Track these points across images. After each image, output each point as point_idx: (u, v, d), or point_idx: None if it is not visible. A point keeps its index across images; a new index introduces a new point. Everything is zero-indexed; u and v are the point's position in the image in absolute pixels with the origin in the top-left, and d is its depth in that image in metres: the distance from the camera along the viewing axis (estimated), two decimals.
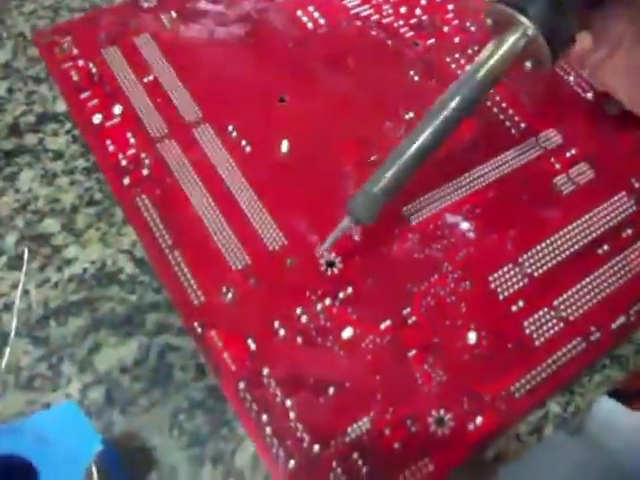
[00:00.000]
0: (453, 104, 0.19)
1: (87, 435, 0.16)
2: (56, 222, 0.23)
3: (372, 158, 0.22)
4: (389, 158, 0.20)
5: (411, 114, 0.23)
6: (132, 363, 0.21)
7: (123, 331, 0.21)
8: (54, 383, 0.20)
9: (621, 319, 0.20)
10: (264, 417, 0.18)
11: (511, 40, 0.20)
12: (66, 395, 0.20)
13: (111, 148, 0.22)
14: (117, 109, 0.22)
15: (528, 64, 0.20)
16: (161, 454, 0.20)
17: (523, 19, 0.19)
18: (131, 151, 0.22)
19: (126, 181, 0.21)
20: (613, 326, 0.20)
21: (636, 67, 0.22)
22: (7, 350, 0.20)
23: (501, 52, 0.20)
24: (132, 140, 0.22)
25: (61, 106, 0.25)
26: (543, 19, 0.19)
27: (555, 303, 0.20)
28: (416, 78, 0.24)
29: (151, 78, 0.23)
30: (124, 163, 0.21)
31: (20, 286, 0.20)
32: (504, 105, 0.24)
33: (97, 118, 0.22)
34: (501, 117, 0.24)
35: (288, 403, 0.18)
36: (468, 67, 0.20)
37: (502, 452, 0.21)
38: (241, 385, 0.18)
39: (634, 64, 0.22)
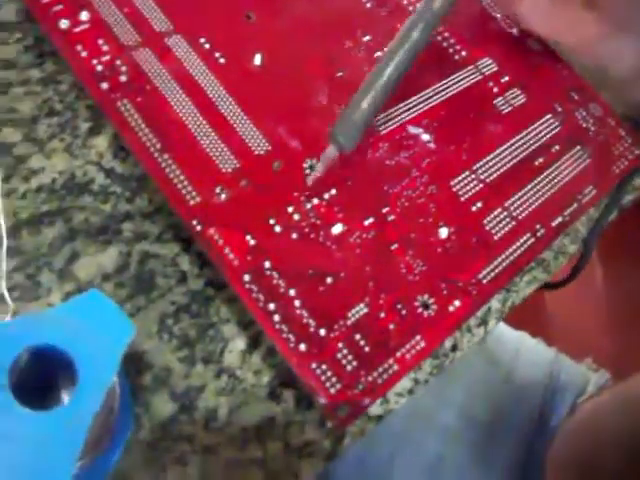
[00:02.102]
0: (416, 34, 0.22)
1: (118, 322, 0.16)
2: (16, 132, 0.22)
3: (339, 74, 0.24)
4: (363, 87, 0.22)
5: (368, 37, 0.25)
6: (113, 270, 0.21)
7: (101, 240, 0.21)
8: (34, 293, 0.20)
9: (559, 219, 0.23)
10: (271, 306, 0.19)
11: None
12: (48, 304, 0.20)
13: (83, 54, 0.21)
14: (84, 15, 0.22)
15: None
16: (153, 357, 0.20)
17: None
18: (105, 57, 0.21)
19: (104, 86, 0.21)
20: (553, 224, 0.23)
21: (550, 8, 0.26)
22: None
23: None
24: (105, 47, 0.21)
25: (6, 15, 0.23)
26: None
27: (506, 204, 0.23)
28: (368, 5, 0.26)
29: None
30: (100, 69, 0.21)
31: None
32: (447, 36, 0.26)
33: (64, 23, 0.21)
34: (446, 46, 0.26)
35: (292, 292, 0.19)
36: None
37: (457, 343, 0.24)
38: (246, 278, 0.19)
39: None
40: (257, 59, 0.23)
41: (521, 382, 0.40)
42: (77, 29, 0.21)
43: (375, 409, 0.21)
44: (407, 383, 0.22)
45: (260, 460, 0.20)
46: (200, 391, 0.20)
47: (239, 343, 0.21)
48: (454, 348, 0.23)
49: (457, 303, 0.21)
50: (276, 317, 0.19)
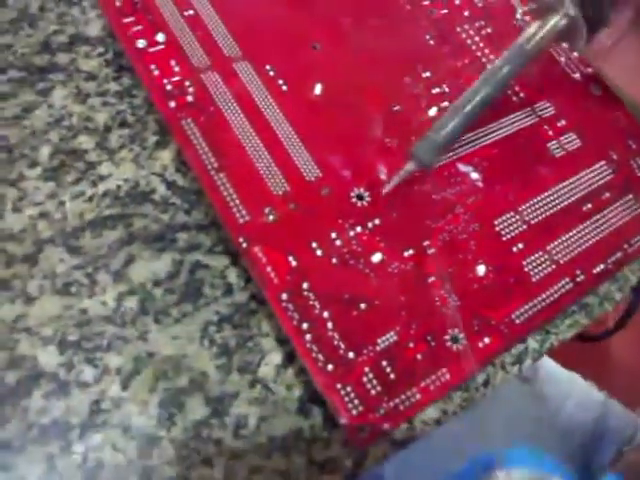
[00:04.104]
0: (505, 70, 0.23)
1: None
2: (90, 139, 0.23)
3: (395, 108, 0.24)
4: (449, 112, 0.23)
5: (428, 73, 0.26)
6: (165, 277, 0.22)
7: (156, 247, 0.22)
8: (90, 290, 0.21)
9: (601, 266, 0.24)
10: (304, 325, 0.20)
11: (554, 19, 0.23)
12: (102, 302, 0.21)
13: (156, 73, 0.23)
14: (160, 37, 0.23)
15: (565, 44, 0.24)
16: (192, 361, 0.21)
17: (566, 2, 0.22)
18: (176, 78, 0.23)
19: (172, 104, 0.22)
20: (594, 271, 0.23)
21: (632, 58, 0.26)
22: None
23: (546, 28, 0.23)
24: (176, 68, 0.23)
25: (93, 30, 0.25)
26: (582, 3, 0.23)
27: (548, 248, 0.23)
28: (431, 42, 0.27)
29: (191, 12, 0.24)
30: (169, 88, 0.22)
31: None
32: None
33: (141, 43, 0.23)
34: None
35: (325, 314, 0.20)
36: (517, 40, 0.23)
37: (490, 378, 0.24)
38: (284, 296, 0.20)
39: (632, 56, 0.26)
40: (318, 88, 0.24)
41: (566, 423, 0.40)
42: (153, 49, 0.23)
43: (400, 434, 0.22)
44: (435, 413, 0.23)
45: (283, 471, 0.21)
46: (233, 398, 0.21)
47: (275, 357, 0.22)
48: (486, 383, 0.24)
49: (487, 340, 0.21)
50: (308, 336, 0.20)
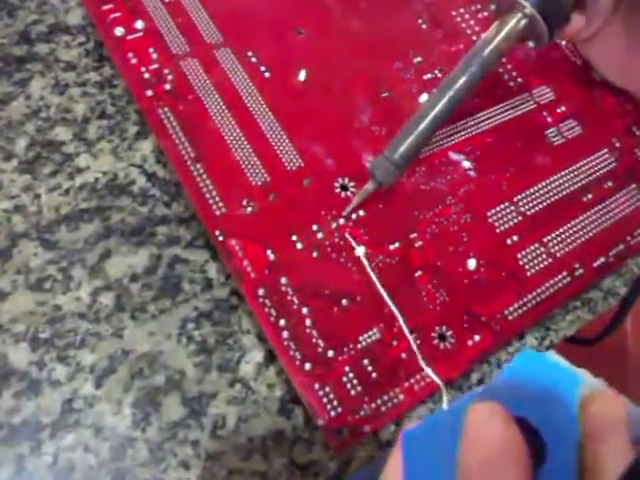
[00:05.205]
0: (463, 78, 0.21)
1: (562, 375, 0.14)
2: (67, 131, 0.23)
3: (383, 94, 0.23)
4: (406, 127, 0.21)
5: (419, 58, 0.25)
6: (142, 272, 0.21)
7: (134, 240, 0.22)
8: (64, 286, 0.21)
9: (601, 259, 0.22)
10: (282, 322, 0.19)
11: (513, 20, 0.22)
12: (76, 298, 0.21)
13: (134, 61, 0.22)
14: (139, 24, 0.23)
15: (530, 43, 0.22)
16: (169, 359, 0.21)
17: (523, 2, 0.21)
18: (154, 66, 0.22)
19: (149, 93, 0.21)
20: (594, 264, 0.22)
21: (615, 45, 0.25)
22: None
23: (505, 31, 0.22)
24: (154, 55, 0.22)
25: (73, 19, 0.25)
26: (540, 2, 0.21)
27: (545, 240, 0.22)
28: (424, 26, 0.25)
29: None
30: (147, 76, 0.22)
31: None
32: (504, 61, 0.26)
33: (119, 31, 0.22)
34: (501, 71, 0.25)
35: (304, 310, 0.19)
36: (476, 44, 0.22)
37: (485, 377, 0.23)
38: (260, 291, 0.19)
39: (615, 42, 0.24)
40: (302, 75, 0.23)
41: None
42: (131, 37, 0.22)
43: (387, 435, 0.21)
44: (425, 412, 0.22)
45: (263, 474, 0.20)
46: (211, 398, 0.20)
47: (256, 355, 0.21)
48: (480, 382, 0.23)
49: (477, 338, 0.20)
50: (285, 333, 0.19)
